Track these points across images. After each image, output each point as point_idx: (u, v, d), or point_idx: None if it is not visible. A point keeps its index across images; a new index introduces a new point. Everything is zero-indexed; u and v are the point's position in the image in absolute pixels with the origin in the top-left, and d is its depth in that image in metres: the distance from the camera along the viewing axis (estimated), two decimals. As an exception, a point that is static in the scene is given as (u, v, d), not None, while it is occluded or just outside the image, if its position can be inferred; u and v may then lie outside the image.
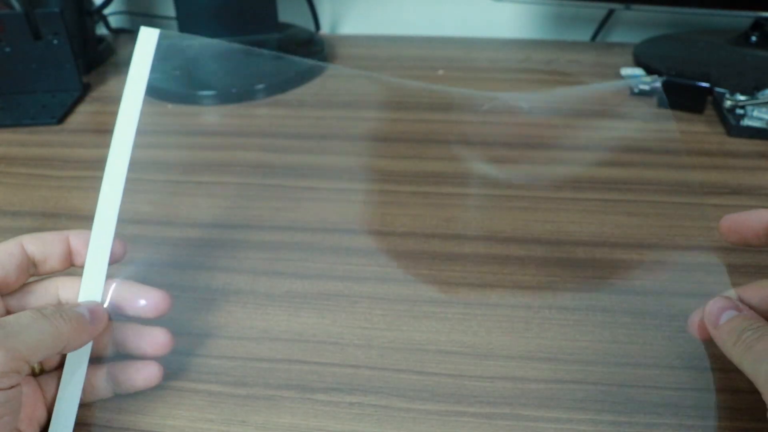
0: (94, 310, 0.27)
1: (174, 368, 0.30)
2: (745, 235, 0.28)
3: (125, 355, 0.29)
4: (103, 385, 0.28)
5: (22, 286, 0.28)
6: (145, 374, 0.28)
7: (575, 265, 0.36)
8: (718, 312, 0.27)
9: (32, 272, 0.28)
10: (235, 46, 0.38)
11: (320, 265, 0.37)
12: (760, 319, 0.26)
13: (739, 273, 0.35)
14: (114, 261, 0.29)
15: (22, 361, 0.23)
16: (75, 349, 0.26)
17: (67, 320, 0.25)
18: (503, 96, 0.52)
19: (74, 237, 0.29)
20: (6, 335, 0.23)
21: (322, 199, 0.43)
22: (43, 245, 0.28)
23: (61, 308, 0.26)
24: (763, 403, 0.23)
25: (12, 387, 0.23)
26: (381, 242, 0.38)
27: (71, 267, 0.29)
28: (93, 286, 0.28)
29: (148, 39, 0.30)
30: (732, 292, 0.28)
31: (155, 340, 0.28)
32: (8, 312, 0.27)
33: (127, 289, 0.29)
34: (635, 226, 0.39)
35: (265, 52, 0.54)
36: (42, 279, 0.29)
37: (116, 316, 0.29)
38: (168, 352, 0.29)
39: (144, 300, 0.29)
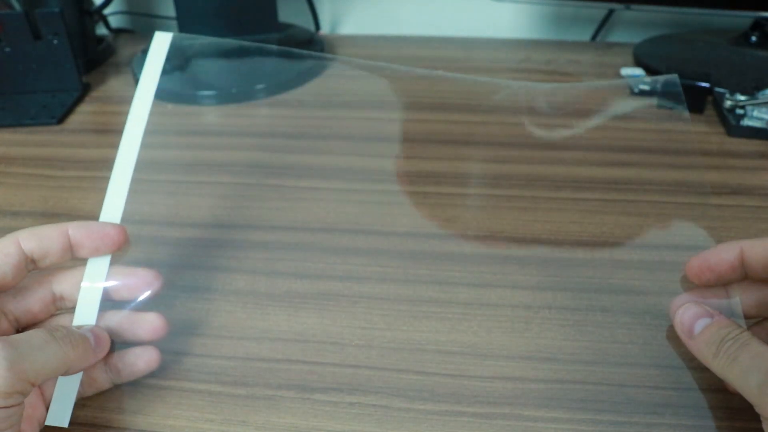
0: (98, 335, 0.27)
1: (174, 368, 0.30)
2: (720, 270, 0.27)
3: (121, 345, 0.29)
4: (102, 377, 0.28)
5: None
6: (145, 359, 0.28)
7: (575, 265, 0.36)
8: (691, 321, 0.26)
9: (30, 269, 0.27)
10: (236, 42, 0.38)
11: (320, 265, 0.37)
12: (736, 324, 0.25)
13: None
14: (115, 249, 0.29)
15: (27, 383, 0.23)
16: (77, 371, 0.26)
17: (75, 345, 0.25)
18: (514, 85, 0.52)
19: (74, 229, 0.28)
20: (18, 357, 0.22)
21: (322, 199, 0.43)
22: (41, 241, 0.27)
23: (70, 331, 0.25)
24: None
25: (14, 405, 0.23)
26: (381, 242, 0.38)
27: (70, 260, 0.29)
28: (94, 281, 0.28)
29: (161, 43, 0.31)
30: (684, 295, 0.28)
31: (150, 326, 0.29)
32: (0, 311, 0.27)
33: (120, 272, 0.29)
34: (635, 226, 0.39)
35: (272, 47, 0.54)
36: (36, 273, 0.28)
37: (112, 299, 0.29)
38: (164, 336, 0.29)
39: (137, 278, 0.29)
